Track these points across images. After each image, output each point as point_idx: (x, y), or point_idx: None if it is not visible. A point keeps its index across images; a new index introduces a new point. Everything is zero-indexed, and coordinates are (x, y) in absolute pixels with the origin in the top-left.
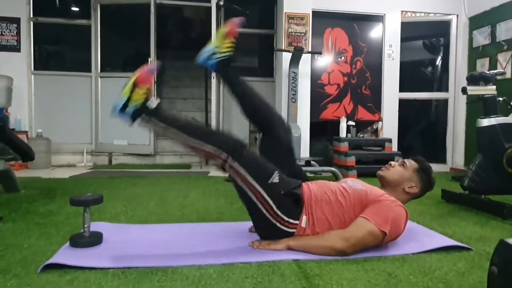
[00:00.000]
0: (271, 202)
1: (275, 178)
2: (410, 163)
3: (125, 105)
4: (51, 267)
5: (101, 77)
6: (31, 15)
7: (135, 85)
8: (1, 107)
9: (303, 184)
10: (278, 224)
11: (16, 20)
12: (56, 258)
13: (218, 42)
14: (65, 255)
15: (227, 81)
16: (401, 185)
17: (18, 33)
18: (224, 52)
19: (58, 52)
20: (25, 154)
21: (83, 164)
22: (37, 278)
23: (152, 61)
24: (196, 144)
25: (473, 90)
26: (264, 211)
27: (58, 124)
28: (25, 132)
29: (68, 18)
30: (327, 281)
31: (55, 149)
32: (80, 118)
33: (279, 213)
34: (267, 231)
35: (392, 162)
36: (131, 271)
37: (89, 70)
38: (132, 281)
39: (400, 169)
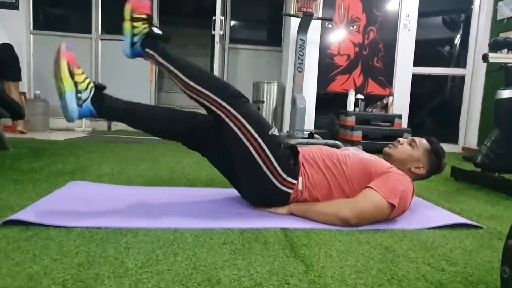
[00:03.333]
0: (270, 155)
1: (275, 131)
2: (421, 142)
3: (132, 41)
4: (15, 222)
5: (101, 39)
6: None
7: (132, 14)
8: None
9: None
10: (275, 181)
11: None
12: (19, 215)
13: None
14: (31, 212)
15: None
16: (408, 164)
17: None
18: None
19: (58, 12)
20: (14, 112)
21: (81, 128)
22: None
23: None
24: (196, 87)
25: (496, 57)
26: (262, 165)
27: None
28: (23, 93)
29: None
30: (315, 252)
31: (54, 112)
32: None
33: (278, 168)
34: (262, 193)
35: (401, 139)
36: (99, 231)
37: (90, 32)
38: (97, 241)
39: (409, 148)
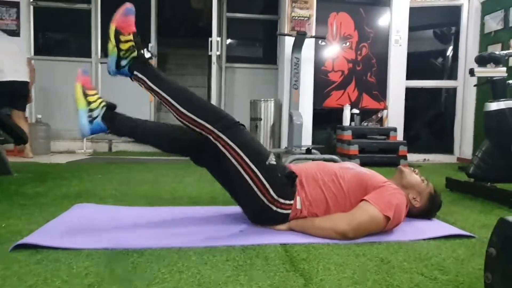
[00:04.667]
0: (267, 185)
1: (272, 160)
2: (430, 185)
3: (119, 64)
4: (25, 246)
5: (101, 62)
6: None
7: (118, 36)
8: None
9: (288, 165)
10: (273, 207)
11: (16, 4)
12: (29, 239)
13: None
14: (40, 236)
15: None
16: (410, 190)
17: (18, 18)
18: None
19: (58, 37)
20: (18, 137)
21: (82, 150)
22: (5, 257)
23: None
24: (190, 115)
25: (482, 72)
26: (260, 194)
27: (58, 110)
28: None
29: (68, 2)
30: (314, 266)
31: (55, 135)
32: None
33: (275, 196)
34: (260, 215)
35: (417, 170)
36: (105, 252)
37: (89, 56)
38: (105, 261)
39: (420, 180)
